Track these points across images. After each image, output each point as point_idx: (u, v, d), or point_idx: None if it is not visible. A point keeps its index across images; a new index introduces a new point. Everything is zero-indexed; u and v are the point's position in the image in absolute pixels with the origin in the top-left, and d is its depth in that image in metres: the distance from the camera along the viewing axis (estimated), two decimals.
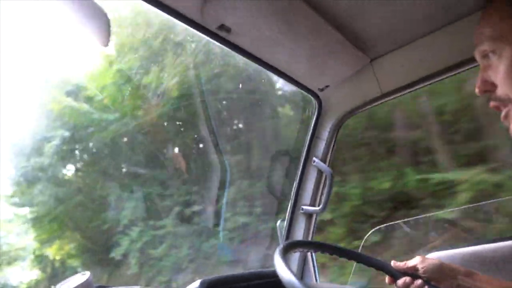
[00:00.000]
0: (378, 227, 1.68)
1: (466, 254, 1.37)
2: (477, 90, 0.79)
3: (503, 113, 0.76)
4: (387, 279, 0.97)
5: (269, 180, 1.64)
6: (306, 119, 1.60)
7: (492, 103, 0.77)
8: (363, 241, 1.61)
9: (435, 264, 0.93)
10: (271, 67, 1.30)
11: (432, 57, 1.27)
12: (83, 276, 0.75)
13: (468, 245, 1.42)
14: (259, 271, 1.18)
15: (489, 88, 0.77)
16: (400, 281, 0.94)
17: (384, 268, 0.97)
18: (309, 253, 1.55)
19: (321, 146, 1.54)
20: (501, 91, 0.74)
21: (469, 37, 1.16)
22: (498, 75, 0.75)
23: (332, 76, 1.40)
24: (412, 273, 0.95)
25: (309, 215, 1.57)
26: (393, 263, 0.97)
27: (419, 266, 0.94)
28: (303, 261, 1.57)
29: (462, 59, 1.21)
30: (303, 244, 0.99)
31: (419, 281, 0.92)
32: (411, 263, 0.95)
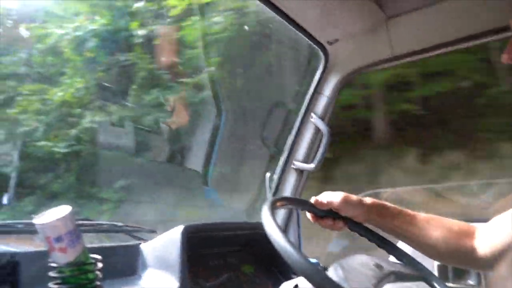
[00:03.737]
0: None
1: None
2: (504, 57, 0.80)
3: None
4: (310, 217, 0.95)
5: (264, 130, 1.59)
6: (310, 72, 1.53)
7: None
8: None
9: (355, 202, 0.92)
10: (280, 11, 1.21)
11: (451, 24, 1.20)
12: (65, 209, 0.73)
13: None
14: (245, 222, 1.18)
15: None
16: (323, 221, 0.93)
17: (305, 205, 0.94)
18: (294, 211, 1.54)
19: (322, 102, 1.49)
20: None
21: (492, 8, 1.10)
22: None
23: (343, 29, 1.33)
24: (334, 211, 0.92)
25: (300, 172, 1.55)
26: (313, 199, 0.93)
27: (340, 205, 0.91)
28: (288, 219, 1.56)
29: (482, 30, 1.15)
30: (293, 201, 0.97)
31: (340, 223, 0.92)
32: (332, 200, 0.92)
